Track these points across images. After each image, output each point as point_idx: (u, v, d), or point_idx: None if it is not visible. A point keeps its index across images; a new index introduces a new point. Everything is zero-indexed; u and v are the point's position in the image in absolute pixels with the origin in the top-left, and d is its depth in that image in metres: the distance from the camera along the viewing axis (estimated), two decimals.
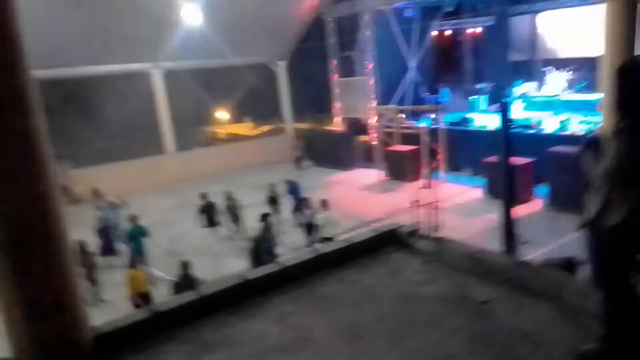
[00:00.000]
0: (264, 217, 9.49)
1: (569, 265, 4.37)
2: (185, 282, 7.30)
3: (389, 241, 4.80)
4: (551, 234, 8.59)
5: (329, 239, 9.82)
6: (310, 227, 10.24)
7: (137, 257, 8.47)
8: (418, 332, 3.28)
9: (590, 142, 2.78)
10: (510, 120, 4.50)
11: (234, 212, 11.81)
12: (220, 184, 13.98)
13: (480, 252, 4.23)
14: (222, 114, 25.59)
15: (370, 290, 3.98)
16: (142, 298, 7.54)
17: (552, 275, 3.76)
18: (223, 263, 10.53)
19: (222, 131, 24.85)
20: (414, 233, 4.80)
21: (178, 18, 15.92)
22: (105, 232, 11.19)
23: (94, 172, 16.74)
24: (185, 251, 11.13)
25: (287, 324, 3.54)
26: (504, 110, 4.15)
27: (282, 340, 3.33)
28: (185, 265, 7.65)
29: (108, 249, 11.02)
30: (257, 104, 22.96)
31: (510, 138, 4.28)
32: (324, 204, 10.08)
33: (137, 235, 9.84)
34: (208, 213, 11.72)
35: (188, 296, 3.80)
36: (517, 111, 16.96)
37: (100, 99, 17.23)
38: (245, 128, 25.03)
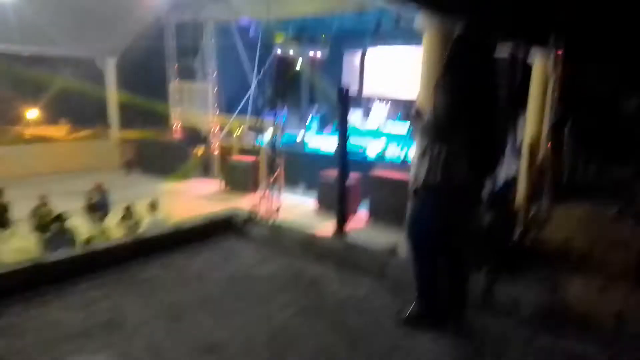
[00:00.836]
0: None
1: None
2: None
3: (224, 228, 4.52)
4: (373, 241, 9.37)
5: None
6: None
7: None
8: (248, 309, 3.07)
9: (418, 111, 2.95)
10: (347, 140, 4.77)
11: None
12: (26, 189, 11.85)
13: (313, 236, 4.25)
14: (33, 113, 22.12)
15: (198, 273, 3.63)
16: None
17: (377, 254, 3.94)
18: None
19: (28, 132, 21.40)
20: (250, 220, 4.61)
21: None
22: None
23: None
24: None
25: (93, 310, 2.97)
26: (343, 131, 4.40)
27: (85, 326, 2.77)
28: None
29: None
30: (78, 105, 20.46)
31: (346, 156, 4.54)
32: (152, 207, 9.28)
33: None
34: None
35: None
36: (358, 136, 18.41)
37: None
38: (60, 131, 21.98)
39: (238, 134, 17.15)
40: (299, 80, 21.61)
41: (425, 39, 8.11)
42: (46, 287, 3.18)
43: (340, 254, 3.91)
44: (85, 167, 17.63)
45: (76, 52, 18.08)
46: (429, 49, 7.44)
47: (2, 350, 2.46)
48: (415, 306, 2.89)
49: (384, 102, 19.36)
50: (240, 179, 15.96)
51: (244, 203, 12.12)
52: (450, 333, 2.79)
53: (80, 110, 20.87)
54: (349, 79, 20.91)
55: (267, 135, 16.95)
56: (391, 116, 19.14)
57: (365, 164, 14.91)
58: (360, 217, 13.40)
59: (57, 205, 10.48)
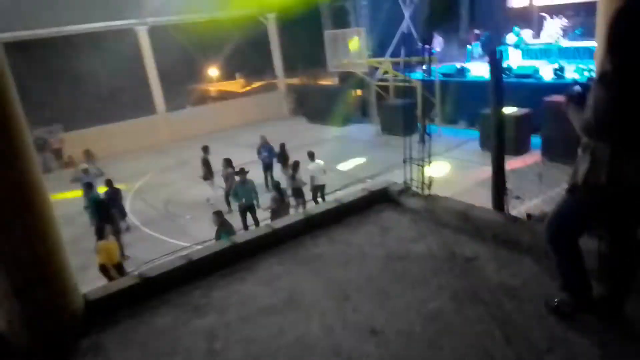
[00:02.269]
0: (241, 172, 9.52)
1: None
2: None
3: (380, 200, 4.79)
4: (543, 186, 8.62)
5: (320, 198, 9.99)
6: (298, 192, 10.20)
7: (107, 227, 7.90)
8: (405, 291, 3.32)
9: (574, 94, 2.65)
10: (502, 70, 4.33)
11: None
12: (212, 143, 13.84)
13: (470, 208, 4.22)
14: (212, 71, 25.09)
15: (360, 249, 3.99)
16: (116, 269, 7.45)
17: (539, 231, 3.76)
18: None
19: (212, 89, 24.44)
20: (404, 191, 4.78)
21: None
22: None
23: (85, 134, 16.57)
24: (181, 212, 11.18)
25: (276, 286, 3.57)
26: (495, 59, 3.99)
27: (271, 302, 3.37)
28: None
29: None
30: (248, 60, 22.46)
31: (501, 88, 4.15)
32: (311, 155, 10.14)
33: (95, 204, 9.53)
34: (207, 166, 11.62)
35: (177, 261, 3.82)
36: (514, 60, 16.63)
37: (88, 61, 16.80)
38: (236, 85, 24.60)
39: (391, 74, 16.90)
40: (456, 4, 19.91)
41: None
42: (240, 263, 3.90)
43: (500, 231, 3.84)
44: (259, 118, 19.65)
45: (240, 13, 19.56)
46: None
47: (214, 323, 3.19)
48: (564, 297, 2.79)
49: (558, 15, 16.78)
50: (395, 122, 15.92)
51: (399, 148, 12.24)
52: (619, 338, 2.63)
53: (251, 65, 22.94)
54: None
55: (424, 70, 16.34)
56: (569, 30, 16.59)
57: (538, 89, 13.39)
58: (532, 155, 12.37)
59: (239, 157, 12.12)
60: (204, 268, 3.80)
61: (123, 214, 10.41)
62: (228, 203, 10.62)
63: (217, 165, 11.52)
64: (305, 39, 19.79)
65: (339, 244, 4.12)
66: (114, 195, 10.13)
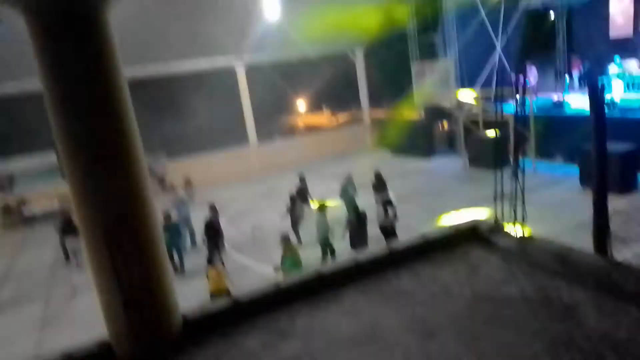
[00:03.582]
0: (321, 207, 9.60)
1: None
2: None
3: (468, 237, 4.66)
4: None
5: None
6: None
7: (216, 254, 8.14)
8: (495, 334, 3.18)
9: None
10: (604, 103, 4.07)
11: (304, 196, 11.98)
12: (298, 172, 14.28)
13: (567, 250, 3.96)
14: (301, 104, 26.14)
15: (445, 287, 3.90)
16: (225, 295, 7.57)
17: None
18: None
19: (301, 122, 25.39)
20: (495, 229, 4.61)
21: (260, 13, 16.41)
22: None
23: (185, 162, 17.97)
24: (269, 239, 11.55)
25: (359, 318, 3.60)
26: (597, 92, 3.76)
27: (354, 334, 3.40)
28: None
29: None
30: (336, 93, 23.11)
31: (604, 123, 3.90)
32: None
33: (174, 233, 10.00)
34: (302, 196, 11.92)
35: (266, 288, 4.00)
36: (617, 91, 15.41)
37: (190, 94, 18.44)
38: (323, 117, 25.35)
39: (482, 106, 16.43)
40: (553, 33, 19.07)
41: None
42: (325, 293, 3.99)
43: (602, 276, 3.56)
44: (344, 150, 20.01)
45: (331, 51, 20.36)
46: None
47: (299, 350, 3.28)
48: None
49: None
50: (485, 156, 15.32)
51: (488, 184, 11.73)
52: None
53: (337, 98, 23.59)
54: (619, 21, 17.32)
55: (516, 103, 15.73)
56: None
57: None
58: (638, 195, 11.24)
59: (322, 189, 12.31)
60: (291, 295, 3.94)
61: (222, 240, 11.03)
62: (296, 233, 10.85)
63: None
64: (392, 71, 20.00)
65: (423, 280, 4.06)
66: (217, 220, 10.78)
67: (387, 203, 9.50)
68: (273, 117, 22.40)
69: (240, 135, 19.70)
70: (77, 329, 7.93)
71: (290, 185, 12.53)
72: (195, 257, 10.22)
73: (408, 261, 4.33)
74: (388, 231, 9.37)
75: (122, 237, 3.23)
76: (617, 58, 16.40)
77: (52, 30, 3.00)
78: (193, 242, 11.53)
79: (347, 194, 11.83)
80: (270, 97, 20.70)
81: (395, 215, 9.47)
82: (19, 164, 21.55)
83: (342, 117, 24.37)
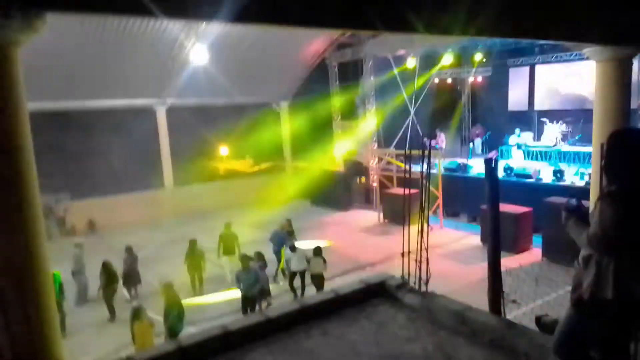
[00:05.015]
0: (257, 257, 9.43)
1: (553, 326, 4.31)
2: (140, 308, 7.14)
3: (377, 293, 4.76)
4: (542, 288, 8.52)
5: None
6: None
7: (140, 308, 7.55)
8: None
9: (574, 208, 2.77)
10: (496, 174, 4.51)
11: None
12: (216, 220, 13.94)
13: (467, 309, 4.19)
14: (223, 150, 25.88)
15: (353, 345, 3.92)
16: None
17: (538, 338, 3.71)
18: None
19: (221, 167, 25.03)
20: (401, 285, 4.77)
21: (185, 58, 16.38)
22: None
23: (91, 204, 16.79)
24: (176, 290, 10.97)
25: None
26: (491, 164, 4.19)
27: None
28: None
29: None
30: (259, 141, 23.25)
31: (497, 193, 4.30)
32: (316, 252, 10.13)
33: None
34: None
35: (168, 346, 3.75)
36: (517, 159, 17.17)
37: (103, 132, 17.52)
38: (245, 164, 25.23)
39: (395, 164, 17.42)
40: (459, 103, 21.03)
41: (597, 68, 7.30)
42: (231, 352, 3.82)
43: (497, 336, 3.79)
44: (264, 198, 19.92)
45: (256, 100, 20.68)
46: (601, 78, 6.67)
47: None
48: None
49: (558, 121, 17.59)
50: (398, 211, 16.07)
51: (400, 237, 12.22)
52: None
53: (261, 146, 23.73)
54: (516, 96, 19.60)
55: (426, 164, 16.89)
56: (568, 136, 17.30)
57: (538, 189, 13.73)
58: (532, 254, 12.34)
59: (245, 234, 12.12)
60: (194, 355, 3.73)
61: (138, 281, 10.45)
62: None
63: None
64: (314, 125, 20.68)
65: (332, 339, 4.05)
66: (134, 261, 10.28)
67: (291, 249, 9.95)
68: (192, 160, 21.90)
69: (155, 177, 18.93)
70: None
71: (203, 231, 12.15)
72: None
73: (318, 318, 4.31)
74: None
75: (8, 291, 2.91)
76: (517, 130, 18.38)
77: None
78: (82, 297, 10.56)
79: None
80: (191, 141, 20.31)
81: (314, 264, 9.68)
82: None
83: (264, 165, 24.43)
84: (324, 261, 10.06)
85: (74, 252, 10.94)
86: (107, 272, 9.85)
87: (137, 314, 7.06)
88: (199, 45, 15.91)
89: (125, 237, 13.19)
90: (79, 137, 17.30)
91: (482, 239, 13.28)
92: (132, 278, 10.62)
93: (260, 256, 9.87)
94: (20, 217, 3.01)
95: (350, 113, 19.85)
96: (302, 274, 10.18)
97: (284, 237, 11.80)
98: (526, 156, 17.54)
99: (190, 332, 5.92)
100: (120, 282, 10.43)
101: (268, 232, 12.62)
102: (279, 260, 11.48)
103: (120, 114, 17.85)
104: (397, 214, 16.06)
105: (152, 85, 17.35)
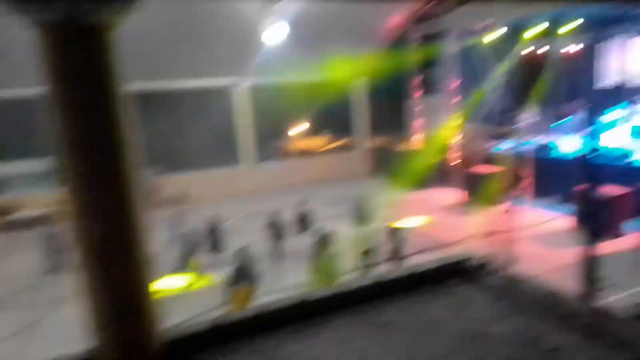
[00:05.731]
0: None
1: None
2: (240, 273, 7.41)
3: (458, 273, 4.65)
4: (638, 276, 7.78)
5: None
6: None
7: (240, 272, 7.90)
8: None
9: None
10: (596, 148, 4.16)
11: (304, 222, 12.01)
12: (292, 197, 14.29)
13: (554, 293, 3.97)
14: (299, 128, 26.36)
15: (432, 322, 3.88)
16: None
17: (634, 326, 3.43)
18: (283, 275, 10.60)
19: (298, 145, 25.54)
20: (484, 266, 4.61)
21: (264, 36, 16.72)
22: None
23: (180, 178, 17.96)
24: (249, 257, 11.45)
25: (347, 348, 3.55)
26: (589, 137, 3.86)
27: None
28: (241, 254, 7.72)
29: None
30: (335, 119, 23.38)
31: (594, 167, 3.97)
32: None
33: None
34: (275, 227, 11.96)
35: (249, 311, 3.95)
36: (612, 138, 15.70)
37: (189, 112, 18.58)
38: (321, 142, 25.54)
39: (478, 142, 16.67)
40: (548, 77, 19.50)
41: None
42: (311, 320, 3.95)
43: (587, 321, 3.56)
44: (338, 176, 20.08)
45: (335, 77, 20.65)
46: None
47: None
48: None
49: None
50: (481, 191, 15.43)
51: (482, 218, 11.73)
52: None
53: (337, 124, 23.87)
54: (610, 70, 17.79)
55: (511, 142, 15.94)
56: None
57: (637, 170, 12.53)
58: (631, 239, 11.30)
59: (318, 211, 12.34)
60: (276, 321, 3.90)
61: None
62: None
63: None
64: (391, 104, 20.32)
65: (409, 315, 4.03)
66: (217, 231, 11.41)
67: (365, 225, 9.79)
68: (271, 139, 22.54)
69: (234, 155, 19.78)
70: (59, 339, 7.77)
71: (280, 208, 12.53)
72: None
73: (395, 294, 4.31)
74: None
75: (113, 250, 3.20)
76: (612, 107, 16.75)
77: (60, 41, 3.04)
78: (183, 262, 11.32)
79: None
80: (269, 119, 20.89)
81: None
82: (9, 169, 21.44)
83: (340, 142, 24.56)
84: (401, 239, 9.97)
85: (168, 222, 11.83)
86: (189, 241, 10.56)
87: (235, 278, 7.49)
88: (278, 23, 16.12)
89: (210, 209, 13.94)
90: (166, 117, 18.46)
91: (574, 222, 12.40)
92: (215, 246, 11.30)
93: (332, 236, 9.86)
94: (123, 187, 3.28)
95: (431, 88, 19.20)
96: (373, 252, 10.16)
97: (364, 212, 11.88)
98: (623, 134, 15.95)
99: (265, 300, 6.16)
100: (204, 250, 11.16)
101: (343, 209, 12.75)
102: (361, 237, 11.51)
103: (203, 93, 18.79)
104: (480, 193, 15.45)
105: (232, 65, 17.97)
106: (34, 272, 11.45)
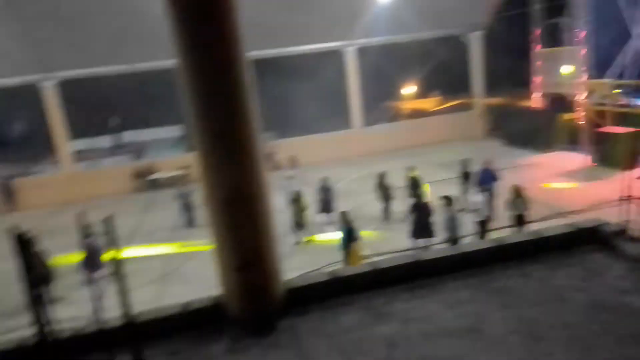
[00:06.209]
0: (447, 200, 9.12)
1: None
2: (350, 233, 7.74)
3: (588, 239, 4.27)
4: None
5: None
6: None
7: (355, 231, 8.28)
8: (612, 347, 2.90)
9: None
10: None
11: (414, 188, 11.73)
12: (402, 160, 14.08)
13: None
14: (409, 89, 25.62)
15: (558, 290, 3.64)
16: None
17: None
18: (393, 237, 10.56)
19: (408, 106, 24.92)
20: (621, 233, 4.16)
21: None
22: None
23: (292, 142, 18.67)
24: (361, 221, 11.61)
25: (460, 310, 3.51)
26: None
27: (454, 326, 3.32)
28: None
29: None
30: (447, 78, 22.27)
31: None
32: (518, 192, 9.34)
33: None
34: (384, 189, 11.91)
35: (363, 268, 4.06)
36: None
37: (299, 77, 19.03)
38: (431, 103, 24.60)
39: (613, 99, 14.75)
40: None
41: None
42: (424, 280, 3.94)
43: None
44: (452, 137, 19.25)
45: (444, 32, 19.59)
46: None
47: (395, 333, 3.30)
48: None
49: None
50: (612, 153, 13.75)
51: (615, 184, 10.50)
52: None
53: (449, 83, 22.73)
54: None
55: None
56: None
57: None
58: None
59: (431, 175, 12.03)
60: (389, 278, 3.96)
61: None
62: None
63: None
64: (510, 58, 18.69)
65: (533, 281, 3.82)
66: (328, 192, 11.76)
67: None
68: (379, 100, 22.26)
69: (344, 118, 19.90)
70: (192, 285, 8.78)
71: (390, 170, 12.40)
72: None
73: (518, 259, 4.10)
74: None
75: (239, 206, 3.48)
76: None
77: (191, 15, 3.29)
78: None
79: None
80: (378, 81, 20.59)
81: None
82: (149, 135, 24.17)
83: (452, 102, 23.44)
84: (526, 202, 9.31)
85: (285, 184, 12.48)
86: (299, 201, 11.01)
87: (352, 236, 7.79)
88: None
89: (321, 172, 14.34)
90: (278, 82, 19.12)
91: None
92: (326, 206, 11.63)
93: (449, 199, 9.48)
94: (247, 148, 3.52)
95: (554, 40, 17.24)
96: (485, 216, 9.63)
97: (491, 175, 11.25)
98: None
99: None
100: (316, 209, 11.58)
101: (454, 173, 12.26)
102: (490, 199, 10.99)
103: (312, 58, 19.02)
104: (611, 156, 13.80)
105: (340, 28, 17.84)
106: (171, 226, 12.93)
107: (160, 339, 3.42)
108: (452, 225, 8.43)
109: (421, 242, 8.86)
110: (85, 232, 8.98)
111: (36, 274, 2.21)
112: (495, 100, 20.59)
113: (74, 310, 6.29)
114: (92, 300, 7.08)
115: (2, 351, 3.34)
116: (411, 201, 10.03)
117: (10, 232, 2.22)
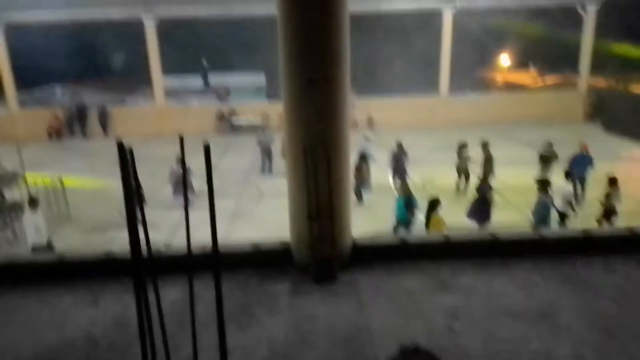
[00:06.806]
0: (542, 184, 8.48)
1: None
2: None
3: None
4: None
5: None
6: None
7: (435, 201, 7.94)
8: None
9: None
10: None
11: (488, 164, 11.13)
12: (487, 134, 13.35)
13: None
14: (505, 59, 23.97)
15: None
16: None
17: None
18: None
19: (501, 77, 23.45)
20: None
21: None
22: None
23: (372, 102, 18.33)
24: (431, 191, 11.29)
25: (531, 294, 3.35)
26: None
27: (521, 308, 3.19)
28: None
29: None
30: (549, 52, 20.53)
31: None
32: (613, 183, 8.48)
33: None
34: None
35: (435, 237, 3.97)
36: None
37: (389, 36, 18.38)
38: (527, 76, 22.90)
39: None
40: None
41: None
42: (496, 258, 3.79)
43: None
44: (545, 117, 17.89)
45: (559, 0, 17.90)
46: None
47: (458, 305, 3.23)
48: None
49: None
50: None
51: None
52: None
53: (550, 57, 20.97)
54: None
55: None
56: None
57: None
58: None
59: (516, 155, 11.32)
60: (459, 250, 3.86)
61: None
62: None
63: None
64: (628, 34, 16.74)
65: (618, 276, 3.54)
66: (402, 158, 11.50)
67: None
68: (471, 68, 21.04)
69: (432, 84, 19.08)
70: (260, 227, 9.18)
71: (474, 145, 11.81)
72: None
73: (604, 253, 3.80)
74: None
75: (318, 156, 3.50)
76: None
77: None
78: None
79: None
80: (472, 48, 19.41)
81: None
82: (234, 80, 24.93)
83: (551, 79, 21.69)
84: (619, 195, 8.50)
85: (362, 144, 12.36)
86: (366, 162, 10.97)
87: (433, 206, 7.71)
88: None
89: (398, 136, 14.06)
90: (369, 41, 18.59)
91: None
92: (399, 171, 11.42)
93: (545, 183, 8.79)
94: (333, 99, 3.50)
95: None
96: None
97: (587, 161, 10.41)
98: None
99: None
100: (389, 174, 11.45)
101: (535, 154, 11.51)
102: (582, 186, 10.24)
103: (407, 17, 18.21)
104: None
105: None
106: (247, 170, 13.46)
107: (229, 271, 3.61)
108: (543, 212, 7.85)
109: (473, 224, 8.59)
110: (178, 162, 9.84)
111: (140, 194, 2.38)
112: (602, 82, 18.73)
113: (156, 234, 6.83)
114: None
115: (96, 261, 3.71)
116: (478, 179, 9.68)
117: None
